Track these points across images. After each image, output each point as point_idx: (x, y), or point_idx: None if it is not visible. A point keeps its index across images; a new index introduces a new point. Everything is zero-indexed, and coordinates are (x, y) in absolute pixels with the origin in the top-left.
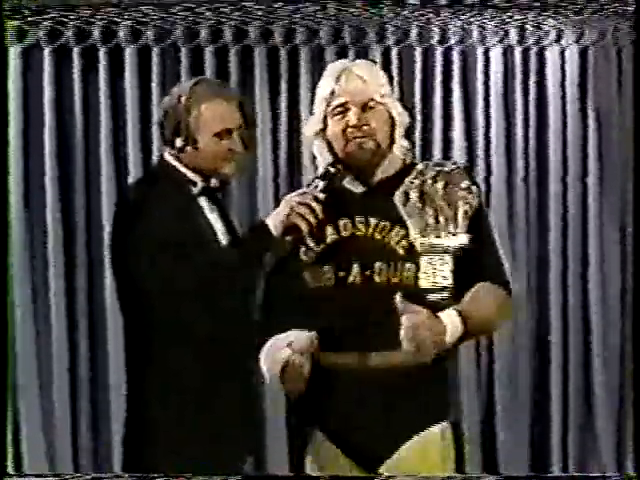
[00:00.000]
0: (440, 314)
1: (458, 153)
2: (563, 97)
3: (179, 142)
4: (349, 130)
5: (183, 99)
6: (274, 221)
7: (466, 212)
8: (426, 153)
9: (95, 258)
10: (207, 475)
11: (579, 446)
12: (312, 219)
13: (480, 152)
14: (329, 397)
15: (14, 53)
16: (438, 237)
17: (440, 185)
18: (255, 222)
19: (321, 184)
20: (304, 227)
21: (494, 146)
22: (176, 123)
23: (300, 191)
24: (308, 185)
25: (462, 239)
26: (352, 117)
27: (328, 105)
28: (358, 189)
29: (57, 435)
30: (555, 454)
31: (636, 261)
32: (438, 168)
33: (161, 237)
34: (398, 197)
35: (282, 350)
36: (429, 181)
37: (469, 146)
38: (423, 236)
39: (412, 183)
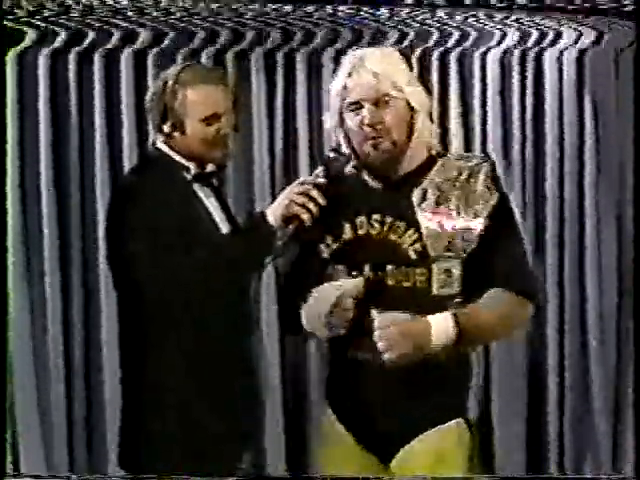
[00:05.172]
0: (429, 316)
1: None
2: (560, 96)
3: (167, 128)
4: (365, 129)
5: (169, 84)
6: (274, 212)
7: (481, 213)
8: None
9: (90, 253)
10: (205, 475)
11: (576, 446)
12: (313, 207)
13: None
14: (346, 383)
15: (10, 55)
16: (452, 240)
17: (459, 183)
18: (254, 213)
19: (321, 171)
20: (305, 217)
21: (491, 147)
22: (163, 108)
23: (300, 180)
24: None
25: (475, 243)
26: (366, 115)
27: (343, 100)
28: (378, 186)
29: (53, 436)
30: (551, 454)
31: (636, 260)
32: (461, 162)
33: (156, 225)
34: (416, 196)
35: (332, 292)
36: (451, 179)
37: (465, 148)
38: (436, 239)
39: (432, 181)
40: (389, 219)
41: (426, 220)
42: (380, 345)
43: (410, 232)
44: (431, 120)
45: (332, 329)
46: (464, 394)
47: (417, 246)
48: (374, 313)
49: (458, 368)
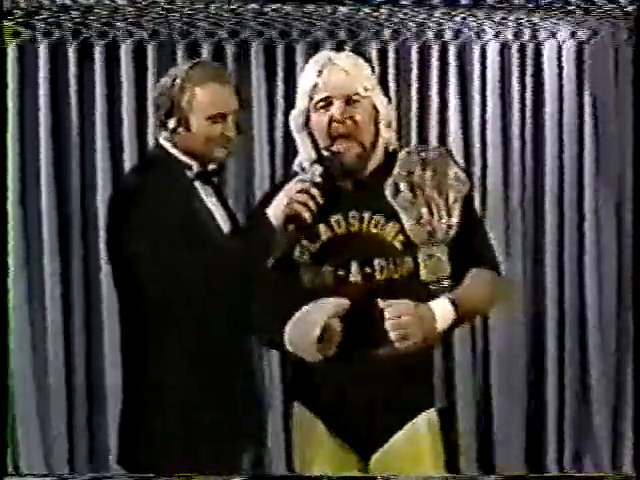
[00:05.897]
0: (430, 302)
1: (454, 147)
2: (560, 89)
3: (172, 123)
4: (334, 125)
5: (178, 81)
6: (275, 211)
7: (456, 200)
8: None
9: (91, 248)
10: (205, 474)
11: (575, 445)
12: (312, 205)
13: (476, 146)
14: (318, 383)
15: (11, 49)
16: (433, 227)
17: (428, 174)
18: (255, 213)
19: (319, 169)
20: (306, 215)
21: (490, 140)
22: (170, 104)
23: (298, 178)
24: (297, 172)
25: (456, 227)
26: (336, 111)
27: (311, 99)
28: (347, 185)
29: (53, 435)
30: (550, 452)
31: (635, 257)
32: (422, 155)
33: (158, 223)
34: (388, 190)
35: (318, 317)
36: (417, 170)
37: (465, 142)
38: (418, 228)
39: (400, 174)
40: (367, 214)
41: (405, 213)
42: (394, 335)
43: (391, 224)
44: (390, 127)
45: (323, 353)
46: (430, 385)
47: (401, 237)
48: (382, 303)
49: (423, 359)
